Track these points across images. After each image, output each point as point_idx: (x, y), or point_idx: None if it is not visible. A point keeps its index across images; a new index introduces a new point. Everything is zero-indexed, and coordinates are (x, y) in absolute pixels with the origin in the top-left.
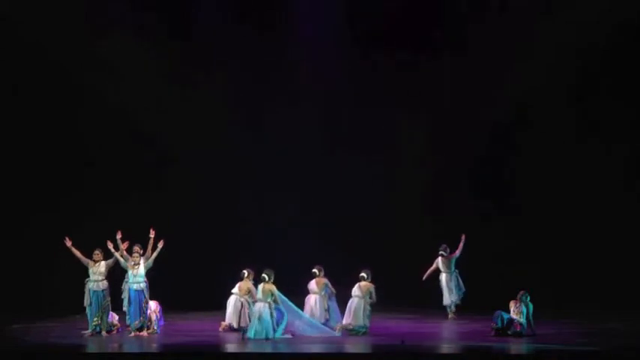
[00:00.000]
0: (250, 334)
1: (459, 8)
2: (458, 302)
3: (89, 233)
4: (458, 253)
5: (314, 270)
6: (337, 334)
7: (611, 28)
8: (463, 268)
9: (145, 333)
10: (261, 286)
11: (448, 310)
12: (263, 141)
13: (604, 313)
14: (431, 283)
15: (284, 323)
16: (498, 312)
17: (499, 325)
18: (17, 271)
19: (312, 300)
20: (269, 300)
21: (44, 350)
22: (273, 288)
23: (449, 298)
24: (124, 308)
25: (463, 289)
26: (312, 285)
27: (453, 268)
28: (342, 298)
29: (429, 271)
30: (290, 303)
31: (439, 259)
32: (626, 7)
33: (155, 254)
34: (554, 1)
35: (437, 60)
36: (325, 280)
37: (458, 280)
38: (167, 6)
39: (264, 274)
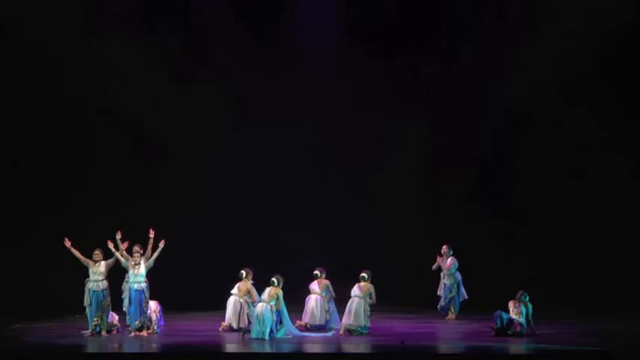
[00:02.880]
0: (252, 334)
1: (459, 10)
2: (443, 304)
3: (89, 233)
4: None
5: (316, 272)
6: (333, 333)
7: (610, 30)
8: (463, 268)
9: (145, 333)
10: (268, 289)
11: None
12: (263, 140)
13: (604, 313)
14: (432, 282)
15: (285, 326)
16: (498, 312)
17: (499, 325)
18: (17, 272)
19: (313, 300)
20: (272, 303)
21: (44, 350)
22: (280, 293)
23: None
24: (124, 308)
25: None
26: (314, 285)
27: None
28: (341, 298)
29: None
30: (287, 316)
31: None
32: (626, 9)
33: (156, 254)
34: (553, 3)
35: (438, 61)
36: (327, 282)
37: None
38: (166, 5)
39: (273, 279)
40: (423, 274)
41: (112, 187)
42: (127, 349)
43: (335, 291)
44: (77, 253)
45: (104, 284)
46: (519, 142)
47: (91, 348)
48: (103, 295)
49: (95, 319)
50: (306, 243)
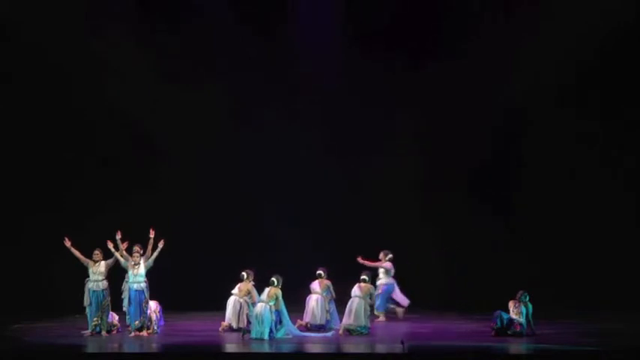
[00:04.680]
0: (252, 334)
1: (459, 10)
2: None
3: (89, 233)
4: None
5: (319, 271)
6: (333, 333)
7: (610, 30)
8: (464, 268)
9: (145, 333)
10: (267, 290)
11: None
12: (263, 140)
13: (604, 313)
14: (431, 283)
15: (284, 326)
16: (498, 312)
17: (499, 325)
18: (17, 272)
19: (314, 300)
20: (271, 303)
21: (44, 350)
22: (279, 293)
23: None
24: (124, 308)
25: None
26: (315, 285)
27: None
28: (341, 298)
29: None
30: (287, 316)
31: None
32: (626, 9)
33: (155, 254)
34: (553, 5)
35: (437, 61)
36: (328, 283)
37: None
38: (166, 5)
39: (273, 279)
40: (422, 274)
41: (112, 187)
42: (127, 349)
43: (335, 291)
44: (77, 253)
45: (104, 284)
46: (519, 142)
47: (91, 348)
48: (103, 295)
49: (95, 319)
50: (306, 243)
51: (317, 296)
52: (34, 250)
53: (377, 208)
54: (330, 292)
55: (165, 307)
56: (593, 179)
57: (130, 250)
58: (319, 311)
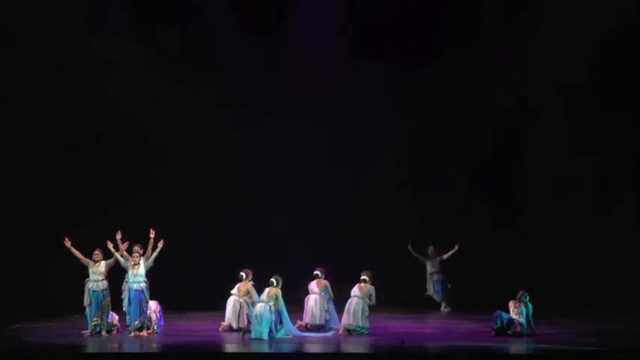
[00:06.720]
0: (252, 334)
1: (459, 10)
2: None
3: (89, 233)
4: (445, 257)
5: (316, 272)
6: (333, 333)
7: (610, 30)
8: (465, 268)
9: (145, 333)
10: (267, 290)
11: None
12: (263, 141)
13: (604, 313)
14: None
15: (285, 326)
16: (498, 312)
17: (499, 325)
18: (17, 271)
19: (312, 300)
20: (271, 303)
21: (44, 350)
22: (279, 293)
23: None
24: (124, 308)
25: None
26: (313, 285)
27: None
28: (341, 298)
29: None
30: (287, 316)
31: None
32: (626, 9)
33: (155, 254)
34: (553, 5)
35: (438, 61)
36: (326, 282)
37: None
38: (166, 5)
39: (272, 279)
40: (422, 275)
41: (112, 187)
42: (127, 349)
43: (334, 291)
44: (77, 253)
45: (104, 284)
46: (519, 142)
47: (91, 348)
48: (103, 295)
49: (95, 319)
50: (306, 243)
51: (315, 296)
52: (34, 250)
53: (377, 208)
54: (328, 292)
55: (165, 307)
56: (593, 179)
57: (130, 250)
58: (318, 311)
